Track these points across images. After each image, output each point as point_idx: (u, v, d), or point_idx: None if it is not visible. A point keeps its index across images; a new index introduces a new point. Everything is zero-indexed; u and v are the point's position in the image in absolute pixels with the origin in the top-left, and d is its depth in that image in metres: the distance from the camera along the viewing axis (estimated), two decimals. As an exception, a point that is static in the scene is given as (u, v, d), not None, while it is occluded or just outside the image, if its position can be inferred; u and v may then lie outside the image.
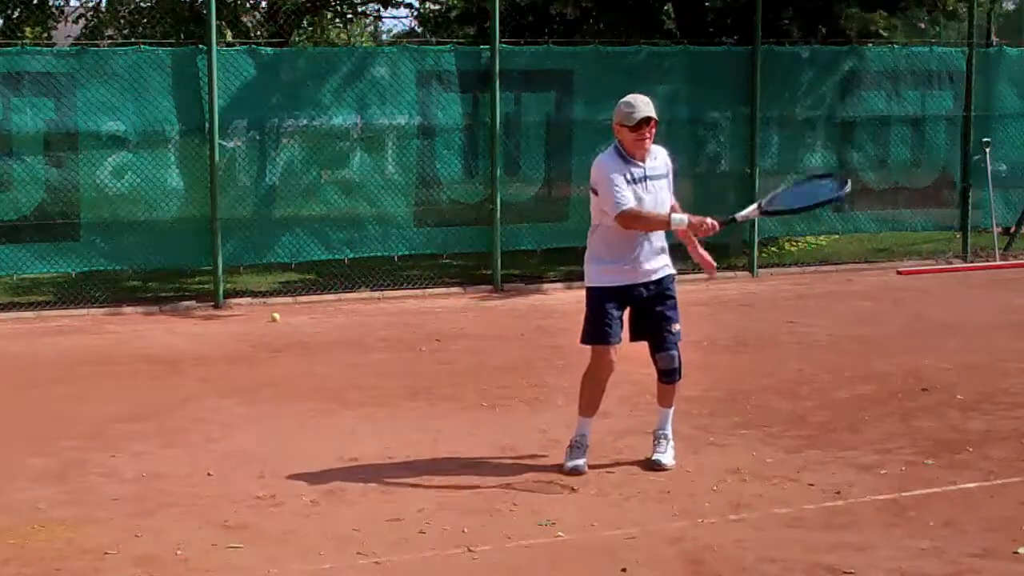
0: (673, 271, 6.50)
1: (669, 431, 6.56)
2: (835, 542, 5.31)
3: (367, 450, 6.86)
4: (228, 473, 6.45)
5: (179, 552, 5.28)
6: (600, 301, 6.33)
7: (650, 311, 6.38)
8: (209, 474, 6.44)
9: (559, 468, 6.42)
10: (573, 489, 6.13)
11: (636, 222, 6.23)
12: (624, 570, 5.03)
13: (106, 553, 5.28)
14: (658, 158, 6.41)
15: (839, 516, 5.67)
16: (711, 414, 7.58)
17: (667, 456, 6.48)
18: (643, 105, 6.22)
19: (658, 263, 6.40)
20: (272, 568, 5.09)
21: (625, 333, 6.47)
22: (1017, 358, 9.13)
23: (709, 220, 6.23)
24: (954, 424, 7.31)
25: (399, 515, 5.72)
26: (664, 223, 6.23)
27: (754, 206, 6.50)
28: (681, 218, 6.20)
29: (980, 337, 9.99)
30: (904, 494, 5.97)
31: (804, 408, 7.74)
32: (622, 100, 6.30)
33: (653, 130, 6.26)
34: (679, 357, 6.46)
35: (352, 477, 6.32)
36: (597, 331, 6.33)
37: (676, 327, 6.44)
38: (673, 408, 6.60)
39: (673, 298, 6.45)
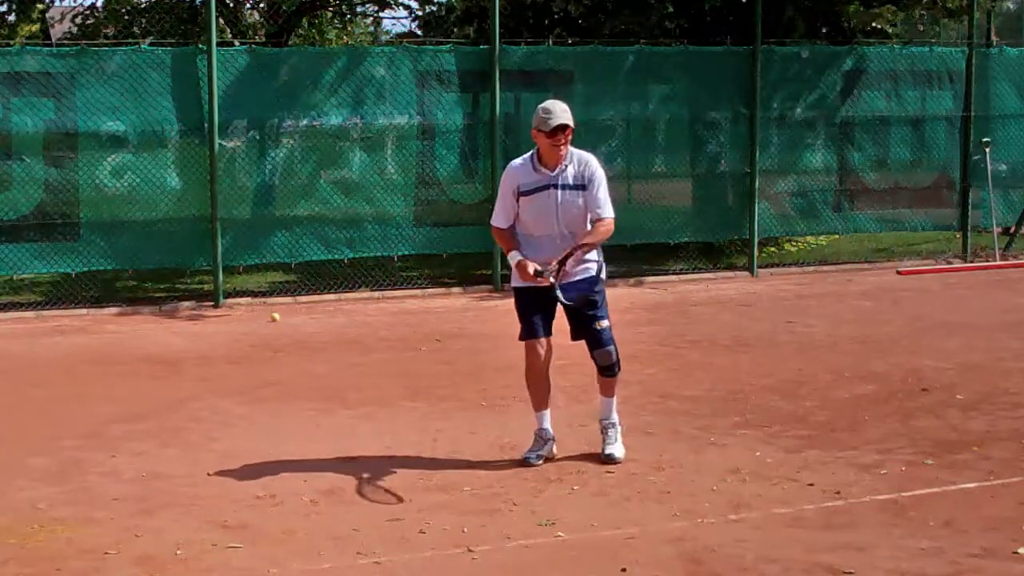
0: (593, 274, 6.50)
1: (615, 418, 6.66)
2: (835, 542, 5.32)
3: (367, 450, 6.86)
4: (228, 473, 6.45)
5: (179, 552, 5.28)
6: (519, 300, 6.56)
7: (576, 313, 6.49)
8: (209, 474, 6.44)
9: (559, 467, 6.43)
10: (573, 489, 6.14)
11: (497, 239, 6.66)
12: (624, 570, 5.03)
13: (106, 553, 5.28)
14: (573, 167, 6.45)
15: (839, 516, 5.68)
16: (711, 414, 7.58)
17: (617, 448, 6.58)
18: (560, 112, 6.36)
19: (573, 268, 6.44)
20: (272, 568, 5.09)
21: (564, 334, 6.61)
22: (1017, 358, 9.13)
23: (532, 269, 6.30)
24: (954, 424, 7.31)
25: (399, 515, 5.72)
26: (509, 253, 6.48)
27: (552, 270, 6.39)
28: (514, 256, 6.42)
29: (980, 337, 9.98)
30: (904, 494, 5.97)
31: (804, 408, 7.74)
32: (540, 106, 6.46)
33: (568, 137, 6.39)
34: (615, 352, 6.56)
35: (352, 477, 6.33)
36: (523, 327, 6.55)
37: (602, 323, 6.53)
38: (615, 397, 6.68)
39: (595, 299, 6.50)
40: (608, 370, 6.59)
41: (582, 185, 6.45)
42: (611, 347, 6.54)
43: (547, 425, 6.59)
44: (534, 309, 6.48)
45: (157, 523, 5.66)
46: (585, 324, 6.51)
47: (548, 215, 6.43)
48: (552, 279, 6.30)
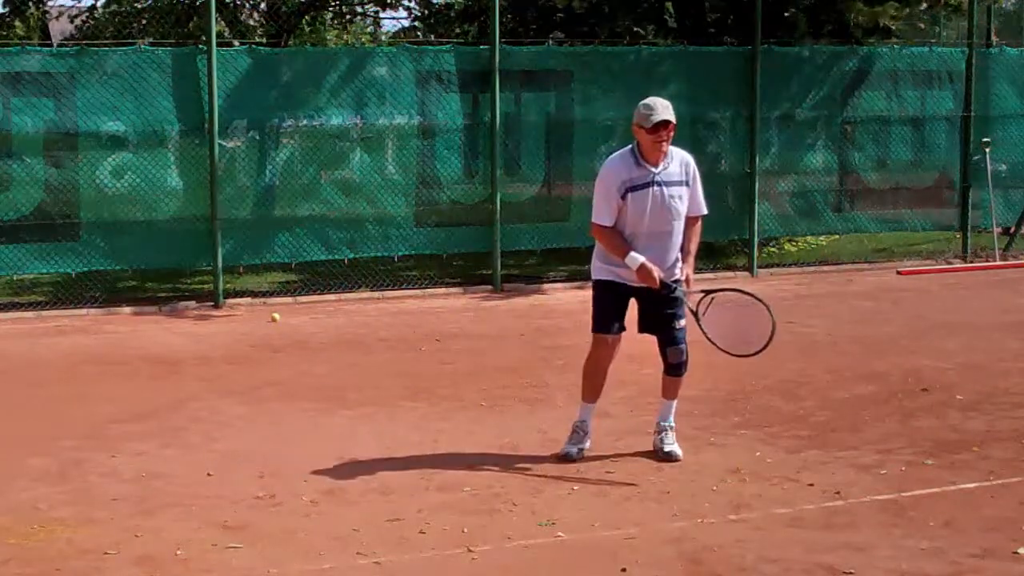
0: (677, 276, 6.57)
1: (672, 421, 6.72)
2: (835, 542, 5.32)
3: (367, 450, 6.86)
4: (228, 473, 6.45)
5: (179, 552, 5.28)
6: (599, 294, 6.62)
7: (656, 311, 6.55)
8: (209, 474, 6.44)
9: (559, 467, 6.43)
10: (573, 489, 6.14)
11: (601, 239, 6.49)
12: (624, 570, 5.03)
13: (106, 553, 5.28)
14: (676, 164, 6.49)
15: (839, 516, 5.68)
16: (711, 414, 7.58)
17: (676, 447, 6.63)
18: (661, 108, 6.34)
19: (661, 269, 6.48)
20: (272, 568, 5.09)
21: (634, 325, 6.64)
22: (1017, 358, 9.13)
23: (657, 275, 6.32)
24: (954, 424, 7.31)
25: (399, 515, 5.72)
26: (623, 254, 6.36)
27: (694, 298, 6.55)
28: (636, 258, 6.32)
29: (980, 337, 9.98)
30: (904, 494, 5.97)
31: (804, 408, 7.74)
32: (642, 102, 6.43)
33: (670, 134, 6.38)
34: (686, 351, 6.65)
35: (352, 477, 6.33)
36: (597, 320, 6.60)
37: (681, 323, 6.61)
38: (676, 400, 6.76)
39: (678, 300, 6.55)
40: (675, 369, 6.66)
41: (685, 182, 6.49)
42: (683, 346, 6.62)
43: (588, 418, 6.68)
44: (613, 305, 6.56)
45: (157, 523, 5.66)
46: (664, 323, 6.56)
47: (652, 212, 6.39)
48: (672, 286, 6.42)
